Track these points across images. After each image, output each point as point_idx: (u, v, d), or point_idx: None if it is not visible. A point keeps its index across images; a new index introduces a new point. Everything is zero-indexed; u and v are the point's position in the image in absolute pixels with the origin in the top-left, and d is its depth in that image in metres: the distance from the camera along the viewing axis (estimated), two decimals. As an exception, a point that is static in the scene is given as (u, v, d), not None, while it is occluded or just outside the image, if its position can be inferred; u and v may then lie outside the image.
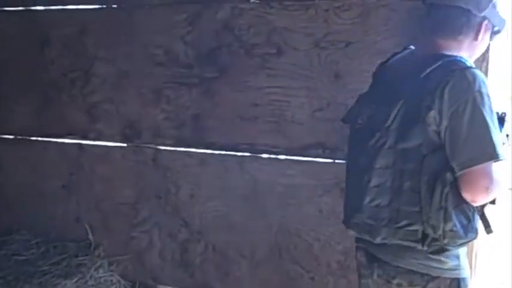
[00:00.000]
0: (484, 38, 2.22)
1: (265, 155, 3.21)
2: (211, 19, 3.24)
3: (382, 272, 2.17)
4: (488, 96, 2.02)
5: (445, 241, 2.03)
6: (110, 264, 3.60)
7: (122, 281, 3.56)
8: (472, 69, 2.06)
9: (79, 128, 3.70)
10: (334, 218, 3.06)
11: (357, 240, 2.31)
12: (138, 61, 3.46)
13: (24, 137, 3.90)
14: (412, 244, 2.07)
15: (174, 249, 3.48)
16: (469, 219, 2.06)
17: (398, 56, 2.36)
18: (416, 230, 2.05)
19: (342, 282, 3.12)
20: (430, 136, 2.03)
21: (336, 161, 3.05)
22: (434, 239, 2.04)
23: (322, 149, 3.08)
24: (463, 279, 2.13)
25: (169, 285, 3.56)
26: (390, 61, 2.36)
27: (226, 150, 3.30)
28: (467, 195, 2.01)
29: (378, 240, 2.13)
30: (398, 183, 2.08)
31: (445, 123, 2.01)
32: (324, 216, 3.11)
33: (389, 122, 2.08)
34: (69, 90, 3.69)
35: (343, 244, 3.06)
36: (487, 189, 1.99)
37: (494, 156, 1.98)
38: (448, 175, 2.01)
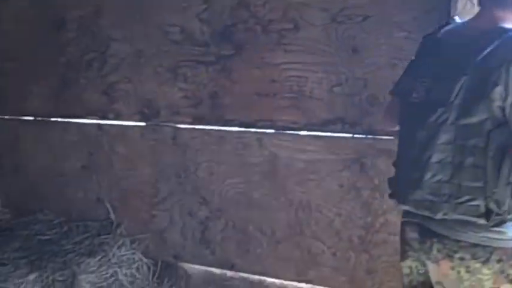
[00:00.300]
0: None
1: (284, 131, 3.20)
2: (226, -4, 3.23)
3: (442, 246, 2.14)
4: None
5: (510, 216, 2.02)
6: (132, 242, 3.63)
7: (144, 259, 3.58)
8: None
9: (97, 109, 3.72)
10: (355, 192, 3.09)
11: (407, 215, 2.27)
12: (154, 40, 3.46)
13: (44, 118, 3.94)
14: (473, 219, 2.05)
15: (194, 227, 3.50)
16: None
17: (448, 28, 2.29)
18: (478, 205, 2.03)
19: (364, 257, 3.12)
20: (495, 112, 2.00)
21: (355, 135, 3.04)
22: (497, 214, 2.03)
23: (342, 124, 3.06)
24: None
25: (190, 263, 3.58)
26: (439, 34, 2.28)
27: (244, 127, 3.30)
28: None
29: (439, 216, 2.11)
30: (459, 159, 2.05)
31: (510, 99, 1.98)
32: (344, 191, 3.11)
33: (452, 97, 2.04)
34: (86, 72, 3.70)
35: (364, 219, 3.06)
36: None
37: None
38: None
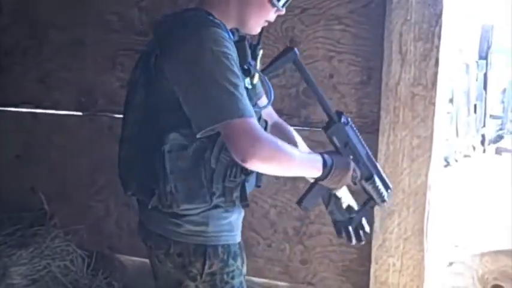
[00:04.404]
0: None
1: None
2: (166, -16, 3.23)
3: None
4: None
5: (168, 202, 1.93)
6: (66, 234, 3.58)
7: (78, 251, 3.55)
8: None
9: (33, 97, 3.66)
10: (291, 184, 3.12)
11: None
12: (93, 28, 3.43)
13: (-22, 106, 3.86)
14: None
15: (130, 218, 3.46)
16: (201, 184, 1.96)
17: None
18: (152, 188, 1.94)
19: (299, 248, 3.17)
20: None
21: (293, 127, 3.04)
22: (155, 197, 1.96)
23: (279, 115, 3.03)
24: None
25: (126, 254, 3.57)
26: None
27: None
28: None
29: (129, 194, 2.06)
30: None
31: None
32: (280, 182, 3.14)
33: (136, 75, 2.02)
34: (23, 59, 3.64)
35: (299, 210, 3.09)
36: None
37: None
38: (173, 135, 1.92)
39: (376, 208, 2.82)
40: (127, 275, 3.56)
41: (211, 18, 1.90)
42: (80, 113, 3.57)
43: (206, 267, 1.96)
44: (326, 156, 1.97)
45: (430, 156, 2.73)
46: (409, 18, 2.72)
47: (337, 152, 2.03)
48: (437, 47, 2.71)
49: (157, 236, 2.00)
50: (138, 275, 3.50)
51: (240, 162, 1.79)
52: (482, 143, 11.87)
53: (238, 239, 2.08)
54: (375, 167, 2.09)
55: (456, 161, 10.35)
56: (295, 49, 2.02)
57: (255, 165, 1.79)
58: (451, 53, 2.93)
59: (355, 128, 2.06)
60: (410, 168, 2.79)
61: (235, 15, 1.99)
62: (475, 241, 5.70)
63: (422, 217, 2.81)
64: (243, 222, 3.14)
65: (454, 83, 10.24)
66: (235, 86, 1.79)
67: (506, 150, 11.71)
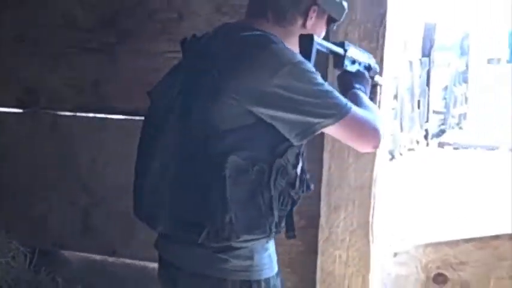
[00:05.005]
0: None
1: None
2: (111, -18, 3.20)
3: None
4: None
5: (224, 235, 1.81)
6: (8, 231, 3.51)
7: (21, 248, 3.48)
8: None
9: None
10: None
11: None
12: (36, 24, 3.37)
13: None
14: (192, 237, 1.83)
15: (75, 215, 3.43)
16: (260, 214, 1.86)
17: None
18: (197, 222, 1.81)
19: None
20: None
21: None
22: (210, 233, 1.81)
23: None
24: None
25: (70, 250, 3.53)
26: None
27: (127, 115, 3.27)
28: None
29: (160, 229, 1.96)
30: (180, 166, 1.87)
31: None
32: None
33: (173, 95, 1.90)
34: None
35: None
36: None
37: None
38: (239, 161, 1.78)
39: (322, 202, 2.88)
40: (72, 270, 3.52)
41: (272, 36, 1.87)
42: (21, 110, 3.50)
43: None
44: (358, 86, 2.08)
45: (375, 151, 2.78)
46: (354, 18, 2.75)
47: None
48: (382, 46, 2.76)
49: (193, 275, 1.88)
50: (83, 270, 3.48)
51: (370, 150, 1.92)
52: (426, 137, 12.19)
53: (276, 269, 2.00)
54: None
55: (401, 154, 10.60)
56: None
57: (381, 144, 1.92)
58: (396, 51, 2.98)
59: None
60: (356, 164, 2.83)
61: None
62: (419, 232, 5.83)
63: (368, 211, 2.86)
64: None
65: (399, 80, 10.43)
66: (326, 84, 1.83)
67: (448, 144, 12.04)
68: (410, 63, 11.44)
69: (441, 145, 12.10)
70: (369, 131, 1.88)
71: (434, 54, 12.49)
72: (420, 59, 12.07)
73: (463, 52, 14.85)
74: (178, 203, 1.84)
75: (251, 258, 1.87)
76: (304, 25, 1.95)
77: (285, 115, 1.78)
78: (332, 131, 1.85)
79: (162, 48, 3.14)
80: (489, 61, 23.29)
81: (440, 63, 13.60)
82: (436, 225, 6.28)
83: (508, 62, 23.52)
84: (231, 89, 1.77)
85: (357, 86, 2.08)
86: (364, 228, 2.86)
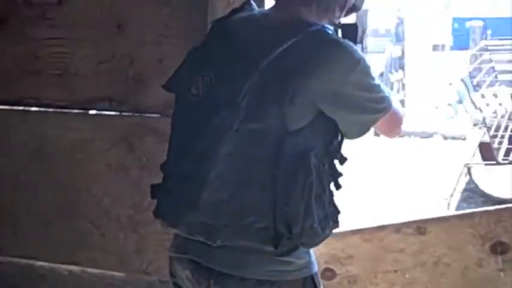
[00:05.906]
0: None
1: (50, 109, 3.09)
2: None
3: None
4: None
5: (303, 240, 1.79)
6: None
7: None
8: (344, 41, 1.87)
9: None
10: (123, 171, 3.04)
11: (179, 248, 1.98)
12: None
13: None
14: (259, 245, 1.77)
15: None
16: (325, 212, 1.82)
17: (243, 15, 1.97)
18: (266, 228, 1.75)
19: (133, 236, 3.09)
20: (289, 117, 1.77)
21: (123, 113, 3.01)
22: (288, 238, 1.77)
23: (109, 102, 3.01)
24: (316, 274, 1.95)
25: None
26: (232, 20, 1.97)
27: (8, 105, 3.15)
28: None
29: (218, 242, 1.79)
30: (244, 172, 1.77)
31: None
32: (113, 170, 3.06)
33: (240, 98, 1.74)
34: None
35: (133, 198, 3.03)
36: None
37: None
38: (313, 159, 1.75)
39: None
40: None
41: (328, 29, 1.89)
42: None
43: None
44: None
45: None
46: (232, 1, 2.68)
47: None
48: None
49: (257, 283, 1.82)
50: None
51: (390, 137, 2.09)
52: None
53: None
54: None
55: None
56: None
57: None
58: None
59: None
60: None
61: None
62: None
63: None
64: (76, 212, 3.07)
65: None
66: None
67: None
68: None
69: (376, 133, 12.11)
70: (402, 119, 2.00)
71: (367, 40, 12.53)
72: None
73: (398, 38, 14.86)
74: (243, 211, 1.78)
75: (307, 253, 1.89)
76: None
77: (349, 112, 1.82)
78: (377, 124, 1.91)
79: (42, 34, 3.03)
80: (434, 48, 23.58)
81: (375, 50, 13.66)
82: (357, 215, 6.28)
83: (452, 48, 23.79)
84: (307, 89, 1.76)
85: None
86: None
